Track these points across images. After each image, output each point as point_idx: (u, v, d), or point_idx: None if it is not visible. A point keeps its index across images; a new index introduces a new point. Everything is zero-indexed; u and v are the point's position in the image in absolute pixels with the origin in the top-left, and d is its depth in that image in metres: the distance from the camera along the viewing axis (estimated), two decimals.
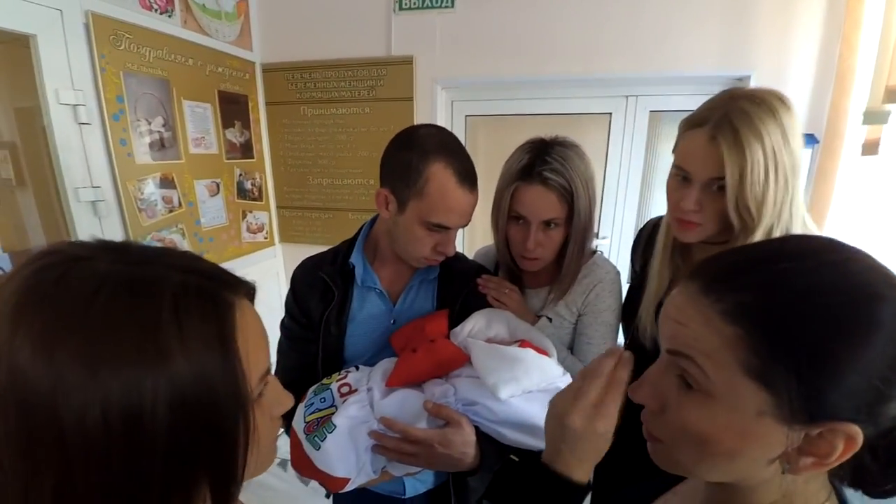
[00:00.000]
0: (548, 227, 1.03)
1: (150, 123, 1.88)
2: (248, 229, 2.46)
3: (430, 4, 2.23)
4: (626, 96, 2.16)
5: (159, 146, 1.92)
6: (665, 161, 2.24)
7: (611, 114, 2.21)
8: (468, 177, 0.91)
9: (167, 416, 0.35)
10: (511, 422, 0.81)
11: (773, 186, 0.82)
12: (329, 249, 1.10)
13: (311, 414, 0.88)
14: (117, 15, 1.71)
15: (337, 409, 0.86)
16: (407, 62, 2.29)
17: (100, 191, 1.70)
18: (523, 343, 0.92)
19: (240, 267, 1.90)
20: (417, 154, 0.88)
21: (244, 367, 0.41)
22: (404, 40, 2.29)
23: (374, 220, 1.08)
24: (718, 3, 1.91)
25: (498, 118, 2.41)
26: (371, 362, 0.99)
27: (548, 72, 2.14)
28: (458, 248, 2.53)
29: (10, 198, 2.05)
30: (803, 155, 0.87)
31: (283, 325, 1.10)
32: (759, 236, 0.85)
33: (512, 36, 2.15)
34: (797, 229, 0.88)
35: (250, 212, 2.46)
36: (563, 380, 0.87)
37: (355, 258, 1.03)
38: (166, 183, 1.96)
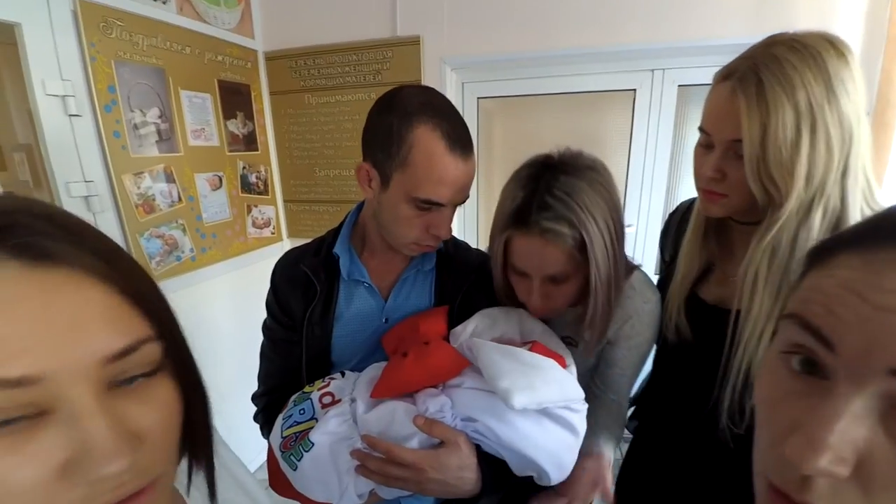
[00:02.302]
0: (555, 281, 0.81)
1: (145, 114, 1.79)
2: (254, 224, 2.37)
3: None
4: (652, 70, 1.98)
5: (156, 138, 1.84)
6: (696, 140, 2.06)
7: (635, 90, 2.04)
8: (460, 141, 0.76)
9: None
10: (516, 449, 0.68)
11: (808, 151, 0.66)
12: (314, 239, 0.99)
13: (288, 428, 0.77)
14: (107, 1, 1.63)
15: (318, 421, 0.75)
16: (414, 42, 2.16)
17: (93, 185, 1.62)
18: (535, 345, 0.78)
19: (247, 263, 1.82)
20: (399, 117, 0.75)
21: None
22: (410, 19, 2.15)
23: (361, 206, 0.96)
24: None
25: (512, 100, 2.26)
26: (361, 367, 0.88)
27: (565, 44, 1.97)
28: (473, 239, 2.38)
29: None
30: (863, 118, 0.69)
31: (264, 325, 0.99)
32: (790, 213, 0.69)
33: (524, 6, 1.99)
34: (854, 213, 0.70)
35: (256, 206, 2.37)
36: (582, 405, 0.74)
37: (339, 248, 0.91)
38: (165, 177, 1.88)
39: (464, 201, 0.84)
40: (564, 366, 0.77)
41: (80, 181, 1.59)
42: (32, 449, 0.26)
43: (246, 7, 2.28)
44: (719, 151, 0.74)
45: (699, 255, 0.90)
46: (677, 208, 1.09)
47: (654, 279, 1.04)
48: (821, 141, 0.66)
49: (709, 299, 0.89)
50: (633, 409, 1.17)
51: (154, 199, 1.84)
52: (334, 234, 0.95)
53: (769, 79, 0.65)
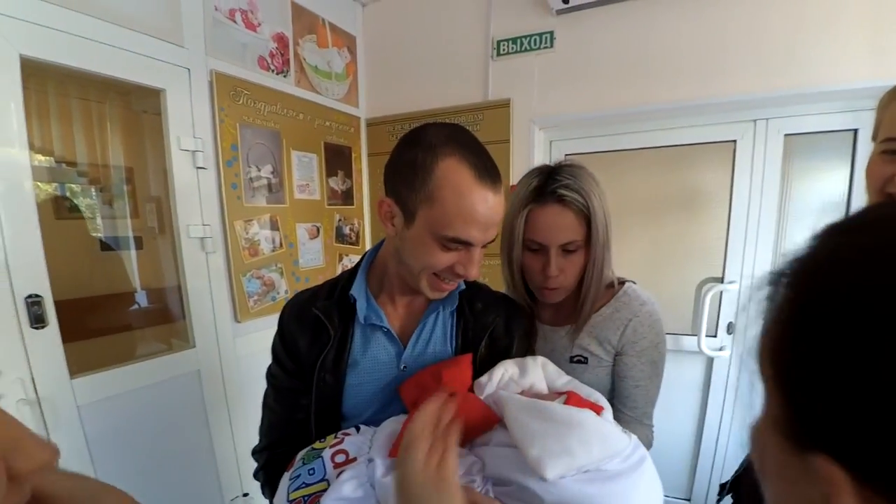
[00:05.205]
0: (567, 251, 0.94)
1: (259, 170, 2.02)
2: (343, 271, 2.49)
3: (528, 48, 2.20)
4: (755, 120, 1.86)
5: (266, 191, 2.06)
6: (804, 192, 1.87)
7: (735, 141, 1.91)
8: (488, 172, 0.72)
9: None
10: None
11: None
12: (326, 281, 0.94)
13: (296, 489, 0.69)
14: (238, 74, 1.92)
15: (329, 484, 0.68)
16: (504, 105, 2.25)
17: (209, 228, 1.83)
18: (570, 396, 0.70)
19: None
20: (423, 150, 0.72)
21: None
22: (502, 84, 2.27)
23: (378, 246, 0.93)
24: (862, 2, 1.60)
25: (601, 155, 2.23)
26: (375, 420, 0.81)
27: (659, 99, 1.93)
28: None
29: (153, 243, 2.33)
30: None
31: (268, 372, 0.93)
32: None
33: (616, 64, 2.01)
34: None
35: (347, 255, 2.52)
36: (637, 453, 0.63)
37: (356, 289, 0.85)
38: (270, 224, 2.07)
39: (492, 241, 0.78)
40: (600, 412, 0.68)
41: (198, 224, 1.81)
42: None
43: (353, 80, 2.55)
44: None
45: None
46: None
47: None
48: None
49: None
50: (729, 494, 1.00)
51: (259, 244, 2.02)
52: (349, 275, 0.91)
53: None
